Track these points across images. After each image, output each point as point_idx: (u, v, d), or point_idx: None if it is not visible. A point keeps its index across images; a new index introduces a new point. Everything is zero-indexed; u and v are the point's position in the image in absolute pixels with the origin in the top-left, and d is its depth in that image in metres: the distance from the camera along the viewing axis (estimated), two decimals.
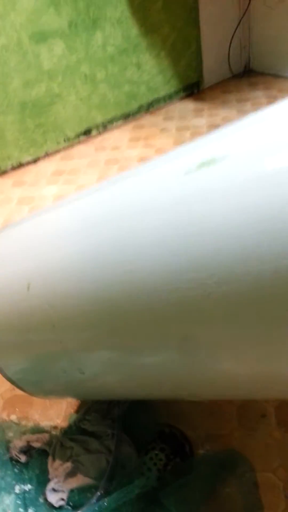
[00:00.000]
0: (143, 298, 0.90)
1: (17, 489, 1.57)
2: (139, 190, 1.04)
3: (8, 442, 1.73)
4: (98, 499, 1.43)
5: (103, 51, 3.52)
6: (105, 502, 1.38)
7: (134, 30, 3.57)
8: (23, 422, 1.82)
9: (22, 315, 1.30)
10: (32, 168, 3.68)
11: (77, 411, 1.81)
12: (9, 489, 1.57)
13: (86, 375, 1.28)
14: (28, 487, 1.56)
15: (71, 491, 1.51)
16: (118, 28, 3.48)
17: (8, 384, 1.95)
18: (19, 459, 1.65)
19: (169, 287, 0.85)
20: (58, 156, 3.77)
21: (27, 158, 3.67)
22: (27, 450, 1.67)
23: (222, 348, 0.93)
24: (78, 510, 1.42)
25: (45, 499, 1.50)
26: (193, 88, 4.30)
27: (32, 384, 1.55)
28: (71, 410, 1.83)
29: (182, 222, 0.85)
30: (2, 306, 1.35)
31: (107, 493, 1.44)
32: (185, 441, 1.64)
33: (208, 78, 4.30)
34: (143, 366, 1.16)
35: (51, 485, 1.52)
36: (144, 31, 3.64)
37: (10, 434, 1.77)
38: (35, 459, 1.65)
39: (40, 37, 3.21)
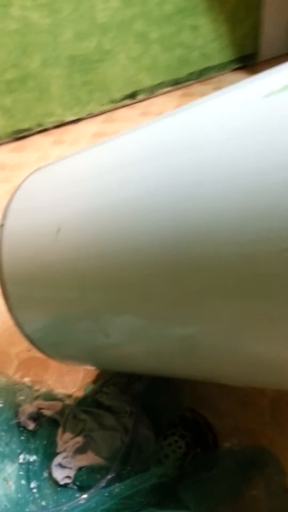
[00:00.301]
0: (202, 250, 0.68)
1: (21, 458, 1.40)
2: (203, 120, 0.81)
3: (17, 406, 1.56)
4: (108, 483, 1.24)
5: (160, 9, 3.23)
6: (116, 488, 1.19)
7: None
8: (36, 387, 1.65)
9: (48, 263, 1.10)
10: (73, 128, 3.46)
11: (94, 382, 1.62)
12: (13, 457, 1.40)
13: (110, 339, 1.08)
14: (33, 457, 1.39)
15: (79, 469, 1.33)
16: None
17: (25, 344, 1.77)
18: (27, 425, 1.48)
19: (244, 238, 0.62)
20: (101, 118, 3.54)
21: (69, 116, 3.46)
22: (37, 417, 1.50)
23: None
24: (85, 492, 1.23)
25: (50, 474, 1.32)
26: (248, 60, 3.94)
27: (51, 346, 1.36)
28: (88, 379, 1.64)
29: (265, 153, 0.61)
30: (28, 251, 1.16)
31: (118, 478, 1.25)
32: (209, 431, 1.42)
33: (265, 51, 3.93)
34: (177, 337, 0.94)
35: (58, 459, 1.34)
36: None
37: (21, 398, 1.60)
38: (44, 429, 1.48)
39: None
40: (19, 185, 1.38)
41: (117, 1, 3.06)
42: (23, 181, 1.38)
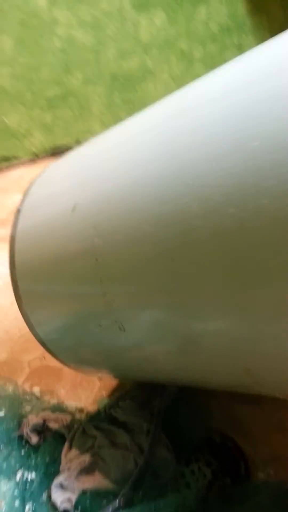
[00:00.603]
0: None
1: (18, 475, 1.21)
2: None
3: (22, 416, 1.39)
4: (115, 510, 1.02)
5: (205, 28, 3.21)
6: None
7: (241, 8, 3.23)
8: (46, 397, 1.48)
9: (64, 244, 0.98)
10: None
11: (110, 396, 1.43)
12: (10, 474, 1.22)
13: (126, 333, 0.91)
14: (32, 475, 1.20)
15: (83, 492, 1.12)
16: (225, 4, 3.15)
17: (37, 352, 1.63)
18: (29, 439, 1.29)
19: None
20: None
21: None
22: (42, 430, 1.32)
23: None
24: None
25: (49, 496, 1.12)
26: None
27: (64, 348, 1.22)
28: (104, 392, 1.45)
29: None
30: (43, 232, 1.06)
31: (128, 505, 1.04)
32: (241, 458, 1.19)
33: None
34: (202, 334, 0.78)
35: (59, 479, 1.15)
36: (252, 10, 3.28)
37: (27, 408, 1.43)
38: (48, 444, 1.29)
39: (143, 5, 2.97)
40: (39, 174, 1.30)
41: (161, 20, 3.08)
42: (43, 170, 1.31)
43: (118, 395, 1.39)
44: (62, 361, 1.28)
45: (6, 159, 3.23)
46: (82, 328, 1.03)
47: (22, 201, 1.23)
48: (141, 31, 3.09)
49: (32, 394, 1.49)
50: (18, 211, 1.20)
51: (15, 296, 1.16)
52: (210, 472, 1.17)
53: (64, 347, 1.21)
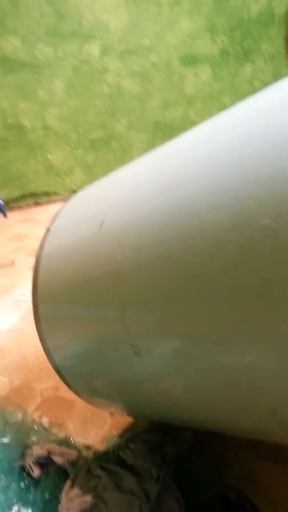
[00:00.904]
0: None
1: (14, 510, 1.11)
2: None
3: (27, 447, 1.31)
4: None
5: (249, 85, 3.30)
6: None
7: (285, 68, 3.31)
8: (54, 430, 1.39)
9: (88, 261, 0.95)
10: None
11: (121, 435, 1.33)
12: (6, 509, 1.12)
13: (141, 358, 0.85)
14: None
15: None
16: (270, 64, 3.24)
17: (51, 381, 1.57)
18: (31, 471, 1.20)
19: None
20: None
21: None
22: (45, 463, 1.23)
23: None
24: None
25: None
26: None
27: (78, 376, 1.15)
28: (114, 431, 1.36)
29: None
30: (69, 248, 1.05)
31: None
32: None
33: None
34: (226, 366, 0.71)
35: None
36: None
37: (34, 439, 1.35)
38: (50, 479, 1.19)
39: (190, 60, 3.10)
40: (70, 198, 1.31)
41: (207, 75, 3.19)
42: (74, 194, 1.31)
43: (129, 436, 1.28)
44: (75, 391, 1.21)
45: (47, 194, 3.32)
46: (97, 352, 0.97)
47: (52, 221, 1.23)
48: (187, 84, 3.20)
49: (40, 424, 1.41)
50: (47, 231, 1.19)
51: (35, 319, 1.13)
52: None
53: (78, 375, 1.15)
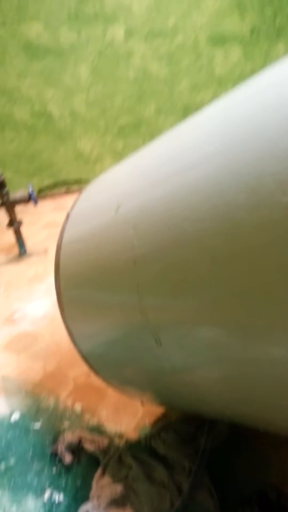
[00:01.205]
0: None
1: (47, 495, 1.09)
2: None
3: (59, 432, 1.28)
4: None
5: None
6: None
7: None
8: (86, 416, 1.36)
9: (105, 246, 0.90)
10: None
11: (153, 425, 1.28)
12: (39, 492, 1.10)
13: (163, 350, 0.79)
14: (59, 497, 1.08)
15: None
16: None
17: (84, 368, 1.53)
18: (63, 457, 1.18)
19: None
20: None
21: None
22: (76, 450, 1.19)
23: None
24: None
25: None
26: None
27: (104, 363, 1.11)
28: (147, 420, 1.31)
29: None
30: (87, 232, 0.99)
31: None
32: None
33: None
34: (258, 360, 0.64)
35: (87, 506, 1.01)
36: None
37: (66, 425, 1.32)
38: (81, 466, 1.17)
39: (218, 40, 2.95)
40: (90, 183, 1.26)
41: (237, 55, 3.03)
42: (93, 179, 1.26)
43: (161, 426, 1.24)
44: (103, 378, 1.17)
45: (78, 182, 3.28)
46: (119, 341, 0.92)
47: (71, 208, 1.18)
48: (216, 66, 3.05)
49: (73, 410, 1.39)
50: (67, 217, 1.14)
51: (59, 306, 1.09)
52: None
53: (104, 362, 1.10)
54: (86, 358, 1.13)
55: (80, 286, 1.03)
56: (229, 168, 0.62)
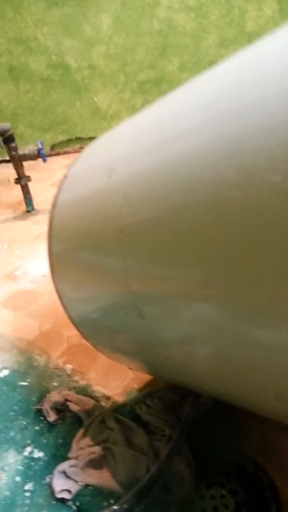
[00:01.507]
0: None
1: (27, 450, 1.13)
2: None
3: (46, 391, 1.31)
4: None
5: None
6: None
7: None
8: (76, 377, 1.39)
9: (96, 211, 0.89)
10: None
11: (141, 390, 1.30)
12: (20, 447, 1.14)
13: (146, 322, 0.78)
14: (40, 454, 1.11)
15: (86, 487, 1.00)
16: None
17: None
18: (47, 415, 1.21)
19: None
20: None
21: None
22: (62, 409, 1.22)
23: None
24: None
25: (51, 481, 1.03)
26: None
27: (90, 328, 1.11)
28: (135, 385, 1.32)
29: None
30: (81, 196, 0.97)
31: None
32: (274, 499, 0.99)
33: None
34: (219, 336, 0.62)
35: (64, 465, 1.05)
36: None
37: (54, 384, 1.35)
38: (64, 425, 1.20)
39: None
40: (92, 142, 1.22)
41: (271, 9, 2.85)
42: (96, 138, 1.22)
43: (148, 392, 1.25)
44: (92, 344, 1.18)
45: (93, 139, 3.21)
46: (105, 309, 0.92)
47: (69, 167, 1.15)
48: (248, 20, 2.89)
49: (63, 370, 1.41)
50: (64, 177, 1.12)
51: (50, 268, 1.09)
52: (233, 504, 0.99)
53: (92, 328, 1.11)
54: (75, 323, 1.13)
55: (70, 250, 1.03)
56: (220, 140, 0.58)
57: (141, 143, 0.82)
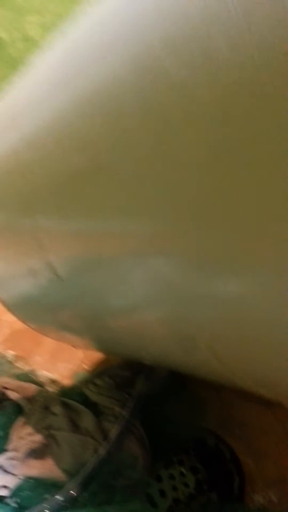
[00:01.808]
0: None
1: None
2: None
3: None
4: (55, 509, 0.80)
5: None
6: None
7: None
8: (19, 363, 1.27)
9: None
10: None
11: (90, 371, 1.20)
12: None
13: (64, 283, 0.68)
14: None
15: (27, 480, 0.90)
16: None
17: None
18: None
19: None
20: None
21: None
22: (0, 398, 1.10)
23: None
24: None
25: None
26: None
27: (26, 309, 1.01)
28: (85, 366, 1.22)
29: None
30: None
31: (72, 503, 0.80)
32: (236, 471, 0.93)
33: None
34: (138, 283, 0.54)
35: (1, 459, 0.93)
36: None
37: None
38: (4, 415, 1.08)
39: None
40: None
41: None
42: None
43: (98, 371, 1.16)
44: (31, 326, 1.08)
45: None
46: (22, 276, 0.81)
47: None
48: None
49: (4, 357, 1.29)
50: None
51: None
52: (194, 481, 0.91)
53: (24, 307, 1.01)
54: (8, 306, 1.03)
55: None
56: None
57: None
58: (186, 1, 0.37)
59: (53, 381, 1.19)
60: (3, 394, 1.11)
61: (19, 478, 0.90)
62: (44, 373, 1.22)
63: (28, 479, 0.90)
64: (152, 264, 0.52)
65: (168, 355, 0.73)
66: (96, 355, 1.25)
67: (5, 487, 0.88)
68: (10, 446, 0.97)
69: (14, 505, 0.87)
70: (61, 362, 1.26)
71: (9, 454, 0.94)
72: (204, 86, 0.35)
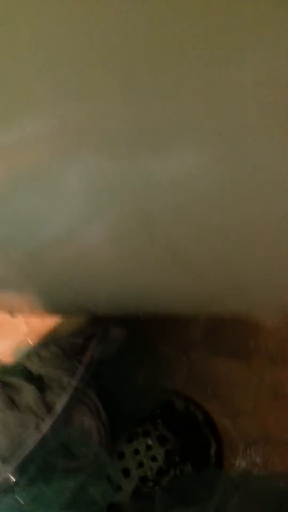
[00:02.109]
0: None
1: None
2: None
3: None
4: None
5: None
6: None
7: None
8: None
9: None
10: None
11: (35, 343, 1.04)
12: None
13: None
14: None
15: None
16: None
17: None
18: None
19: None
20: None
21: None
22: None
23: None
24: None
25: None
26: None
27: None
28: (30, 341, 1.06)
29: None
30: None
31: (8, 488, 0.64)
32: (212, 435, 0.80)
33: None
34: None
35: None
36: None
37: None
38: None
39: None
40: None
41: None
42: None
43: (43, 342, 1.00)
44: None
45: None
46: None
47: None
48: None
49: None
50: None
51: None
52: (163, 453, 0.78)
53: None
54: None
55: None
56: None
57: None
58: None
59: None
60: None
61: None
62: None
63: None
64: (84, 160, 0.38)
65: (124, 285, 0.58)
66: (41, 327, 1.09)
67: None
68: None
69: None
70: (2, 340, 1.09)
71: None
72: None
